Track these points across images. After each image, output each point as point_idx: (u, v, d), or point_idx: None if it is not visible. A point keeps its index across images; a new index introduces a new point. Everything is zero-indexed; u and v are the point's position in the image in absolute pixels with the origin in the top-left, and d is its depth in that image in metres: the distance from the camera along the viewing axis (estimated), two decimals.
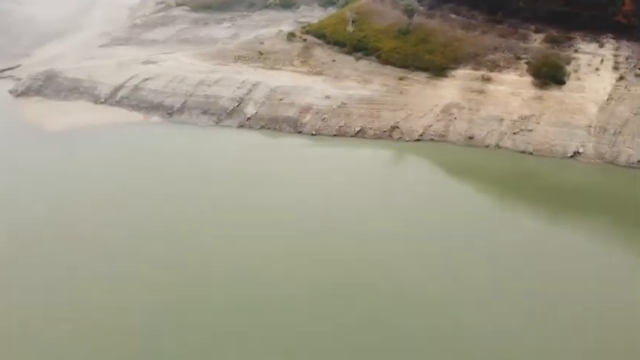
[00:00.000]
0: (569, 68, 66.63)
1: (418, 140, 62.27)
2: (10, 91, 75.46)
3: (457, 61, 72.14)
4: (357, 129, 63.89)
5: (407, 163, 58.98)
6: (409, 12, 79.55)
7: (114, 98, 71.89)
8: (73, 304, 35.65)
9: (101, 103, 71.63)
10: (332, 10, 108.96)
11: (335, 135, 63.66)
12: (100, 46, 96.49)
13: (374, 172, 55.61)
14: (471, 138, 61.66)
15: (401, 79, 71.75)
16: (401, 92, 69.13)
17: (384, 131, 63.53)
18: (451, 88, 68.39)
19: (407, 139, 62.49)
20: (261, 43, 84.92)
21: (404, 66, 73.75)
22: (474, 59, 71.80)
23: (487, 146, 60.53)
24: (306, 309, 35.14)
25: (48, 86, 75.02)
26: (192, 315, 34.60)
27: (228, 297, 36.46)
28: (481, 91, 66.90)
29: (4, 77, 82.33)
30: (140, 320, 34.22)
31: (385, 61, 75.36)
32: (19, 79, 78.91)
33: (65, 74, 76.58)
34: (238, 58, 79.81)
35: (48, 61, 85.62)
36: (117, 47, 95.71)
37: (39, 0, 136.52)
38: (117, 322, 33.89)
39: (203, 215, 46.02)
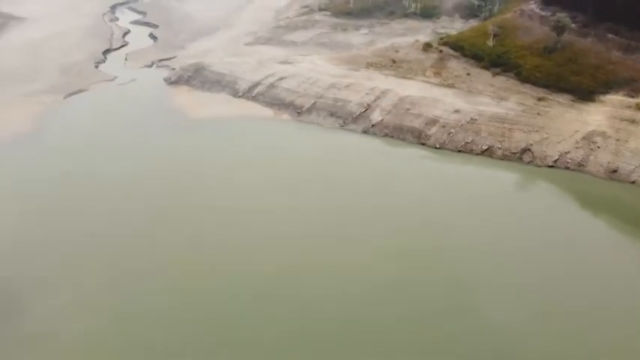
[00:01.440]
0: None
1: (551, 167, 57.61)
2: (165, 79, 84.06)
3: (608, 86, 65.54)
4: (485, 147, 60.89)
5: (537, 191, 54.82)
6: (559, 29, 73.86)
7: (251, 93, 76.57)
8: None
9: (239, 97, 76.71)
10: (473, 23, 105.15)
11: (460, 151, 61.32)
12: (245, 44, 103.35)
13: (500, 196, 52.57)
14: (614, 171, 55.56)
15: (540, 99, 67.00)
16: (538, 113, 64.54)
17: (514, 153, 59.74)
18: (598, 115, 62.29)
19: (539, 163, 58.14)
20: (396, 51, 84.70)
21: (545, 86, 68.82)
22: (630, 85, 64.62)
23: (633, 182, 54.12)
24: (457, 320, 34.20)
25: (196, 77, 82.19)
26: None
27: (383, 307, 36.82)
28: (633, 121, 59.99)
29: (162, 66, 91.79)
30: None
31: (525, 79, 70.94)
32: (173, 69, 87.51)
33: (211, 68, 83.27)
34: (371, 65, 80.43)
35: (199, 55, 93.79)
36: (260, 46, 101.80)
37: None
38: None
39: (322, 220, 47.13)
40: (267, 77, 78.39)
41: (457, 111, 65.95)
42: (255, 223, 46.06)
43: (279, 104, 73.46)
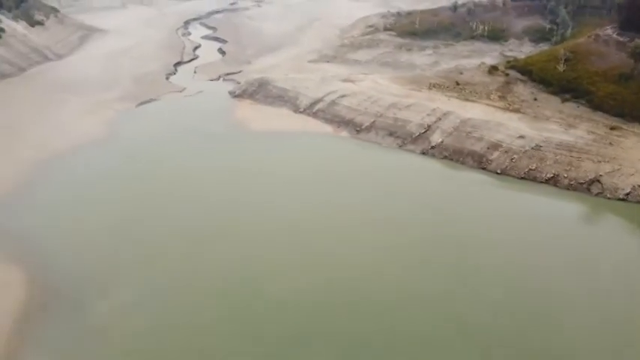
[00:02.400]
0: None
1: (622, 200, 54.30)
2: (230, 92, 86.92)
3: None
4: (550, 175, 58.35)
5: (608, 225, 51.80)
6: (637, 55, 70.20)
7: (311, 109, 77.63)
8: None
9: (300, 112, 77.96)
10: (543, 47, 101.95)
11: (522, 177, 59.09)
12: (308, 61, 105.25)
13: (566, 229, 49.95)
14: None
15: (613, 128, 63.68)
16: (610, 143, 61.27)
17: (582, 183, 56.84)
18: None
19: (608, 195, 54.96)
20: (460, 73, 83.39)
21: (619, 114, 65.51)
22: None
23: None
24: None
25: (259, 92, 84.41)
26: None
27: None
28: None
29: (228, 80, 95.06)
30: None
31: (597, 107, 67.82)
32: (239, 83, 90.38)
33: (275, 83, 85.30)
34: (433, 86, 79.55)
35: (263, 70, 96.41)
36: (323, 64, 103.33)
37: (267, 17, 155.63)
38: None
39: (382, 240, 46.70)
40: (328, 94, 79.27)
41: (522, 136, 63.76)
42: (322, 240, 46.37)
43: (339, 121, 73.93)
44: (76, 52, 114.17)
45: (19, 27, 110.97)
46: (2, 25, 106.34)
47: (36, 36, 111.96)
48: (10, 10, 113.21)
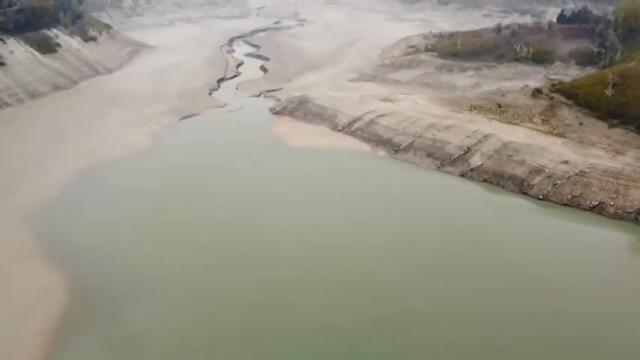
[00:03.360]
0: None
1: None
2: (270, 109, 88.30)
3: None
4: (595, 203, 56.24)
5: None
6: None
7: (350, 128, 77.83)
8: None
9: (338, 130, 78.28)
10: (590, 70, 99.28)
11: (565, 204, 57.18)
12: (348, 80, 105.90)
13: (612, 259, 47.74)
14: None
15: None
16: None
17: (629, 212, 54.49)
18: None
19: None
20: (502, 95, 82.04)
21: None
22: None
23: None
24: None
25: (299, 109, 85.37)
26: None
27: None
28: None
29: (269, 96, 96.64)
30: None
31: None
32: (279, 100, 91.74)
33: (314, 101, 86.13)
34: (474, 108, 78.49)
35: (304, 88, 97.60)
36: (363, 83, 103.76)
37: (309, 36, 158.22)
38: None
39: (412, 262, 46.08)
40: (367, 113, 79.37)
41: (565, 162, 61.89)
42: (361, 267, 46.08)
43: (377, 140, 73.78)
44: (125, 67, 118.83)
45: (74, 42, 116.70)
46: (59, 41, 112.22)
47: (89, 51, 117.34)
48: (66, 27, 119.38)
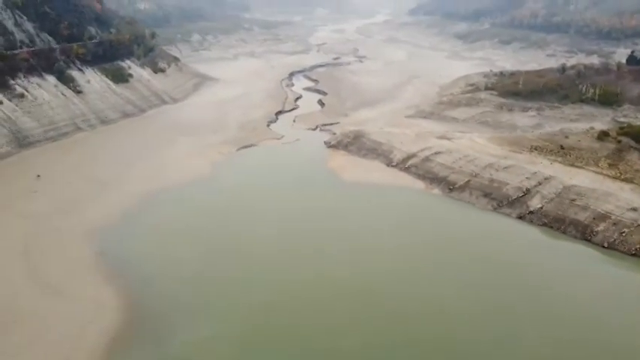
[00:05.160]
0: None
1: None
2: (325, 142, 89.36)
3: None
4: None
5: None
6: None
7: (404, 164, 77.25)
8: None
9: (392, 166, 77.87)
10: None
11: (633, 254, 53.60)
12: (405, 117, 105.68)
13: None
14: None
15: None
16: None
17: None
18: None
19: None
20: (566, 137, 79.12)
21: None
22: None
23: None
24: None
25: (354, 144, 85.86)
26: None
27: None
28: None
29: (325, 130, 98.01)
30: None
31: None
32: (334, 134, 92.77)
33: (369, 136, 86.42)
34: (535, 149, 76.02)
35: (360, 123, 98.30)
36: (420, 119, 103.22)
37: (368, 72, 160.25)
38: None
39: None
40: (422, 150, 78.63)
41: (634, 209, 58.37)
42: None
43: (432, 178, 72.68)
44: (190, 98, 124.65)
45: (145, 73, 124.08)
46: (131, 71, 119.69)
47: (157, 81, 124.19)
48: (139, 59, 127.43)
